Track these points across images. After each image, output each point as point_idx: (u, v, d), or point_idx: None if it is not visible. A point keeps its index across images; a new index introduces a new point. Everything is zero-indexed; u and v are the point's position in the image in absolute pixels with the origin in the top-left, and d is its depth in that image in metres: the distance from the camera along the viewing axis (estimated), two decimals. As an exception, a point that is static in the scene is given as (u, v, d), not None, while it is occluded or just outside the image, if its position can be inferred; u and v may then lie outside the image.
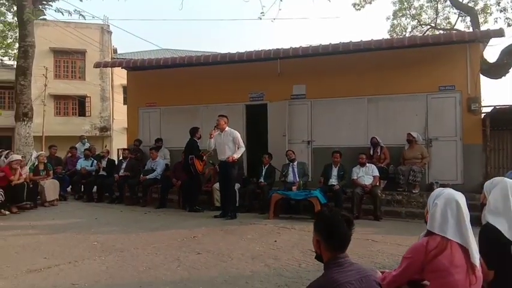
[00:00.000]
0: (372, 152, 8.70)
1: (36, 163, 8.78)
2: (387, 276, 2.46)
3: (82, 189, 9.87)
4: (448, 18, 15.43)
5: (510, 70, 10.40)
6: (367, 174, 7.85)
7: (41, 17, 9.60)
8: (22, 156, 8.74)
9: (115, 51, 30.30)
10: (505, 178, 2.73)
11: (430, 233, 2.30)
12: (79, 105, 26.82)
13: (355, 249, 4.87)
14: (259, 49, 9.59)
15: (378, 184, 7.74)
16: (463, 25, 14.05)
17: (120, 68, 11.80)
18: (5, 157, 8.49)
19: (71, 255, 5.03)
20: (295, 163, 8.40)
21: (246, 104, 10.02)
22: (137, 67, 10.53)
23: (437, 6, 15.16)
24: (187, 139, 8.32)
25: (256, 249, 5.25)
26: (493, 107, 8.01)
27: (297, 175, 8.19)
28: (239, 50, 9.63)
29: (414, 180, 8.08)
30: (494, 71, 10.42)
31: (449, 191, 2.37)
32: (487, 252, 2.49)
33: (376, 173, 7.85)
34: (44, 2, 9.92)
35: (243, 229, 6.45)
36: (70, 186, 10.15)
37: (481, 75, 10.53)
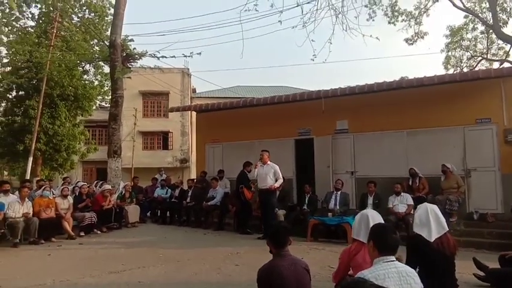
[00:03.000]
0: (410, 182, 9.25)
1: (123, 192, 10.78)
2: (333, 273, 3.50)
3: (158, 214, 11.67)
4: (503, 48, 15.18)
5: None
6: (401, 203, 8.47)
7: (127, 75, 11.80)
8: (112, 186, 10.83)
9: (194, 91, 33.64)
10: (426, 203, 3.72)
11: (354, 240, 3.32)
12: (163, 140, 30.14)
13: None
14: (305, 91, 10.78)
15: (411, 212, 8.29)
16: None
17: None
18: (99, 187, 10.67)
19: (141, 262, 6.55)
20: (339, 192, 9.29)
21: (295, 138, 11.19)
22: (203, 110, 12.35)
23: (487, 37, 15.07)
24: (243, 171, 9.72)
25: (284, 264, 6.29)
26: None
27: (337, 203, 9.06)
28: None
29: (451, 209, 8.45)
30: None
31: (366, 211, 3.43)
32: (409, 254, 3.49)
33: (410, 202, 8.43)
34: (131, 60, 12.29)
35: (280, 248, 7.51)
36: (150, 211, 12.05)
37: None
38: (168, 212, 11.33)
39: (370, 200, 8.80)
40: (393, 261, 2.51)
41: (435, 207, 3.69)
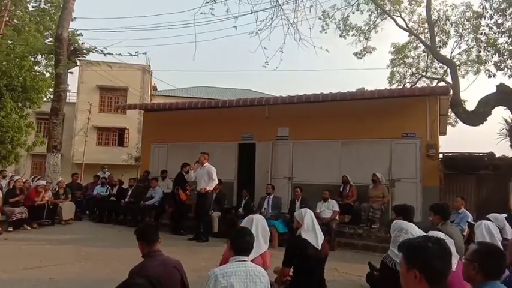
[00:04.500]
0: (341, 189, 9.70)
1: (57, 188, 10.60)
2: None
3: (97, 212, 11.53)
4: (444, 67, 16.08)
5: (487, 118, 11.05)
6: (327, 209, 8.89)
7: (70, 70, 11.64)
8: (49, 182, 10.62)
9: (155, 88, 33.26)
10: (308, 210, 4.02)
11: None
12: (119, 137, 29.59)
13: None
14: (251, 97, 11.05)
15: (336, 218, 8.72)
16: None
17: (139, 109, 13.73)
18: (35, 182, 10.45)
19: (60, 260, 6.53)
20: (271, 196, 9.59)
21: (238, 143, 11.42)
22: (151, 109, 12.35)
23: (427, 56, 15.98)
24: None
25: (202, 265, 6.47)
26: (442, 154, 8.85)
27: (269, 207, 9.37)
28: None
29: (373, 217, 8.96)
30: (473, 119, 11.11)
31: (254, 215, 3.72)
32: (290, 255, 3.79)
33: (336, 208, 8.86)
34: (79, 55, 12.12)
35: (205, 249, 7.72)
36: (88, 209, 11.87)
37: (460, 123, 11.31)
38: (106, 211, 11.22)
39: (297, 205, 9.14)
40: (245, 261, 2.76)
41: (312, 214, 4.02)
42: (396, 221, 3.58)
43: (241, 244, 2.82)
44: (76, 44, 12.17)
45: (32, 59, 18.76)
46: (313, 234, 3.96)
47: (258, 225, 3.62)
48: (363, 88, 15.18)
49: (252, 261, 3.48)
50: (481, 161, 8.62)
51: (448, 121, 14.85)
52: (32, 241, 8.10)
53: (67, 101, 30.34)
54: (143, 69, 30.13)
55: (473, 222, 7.13)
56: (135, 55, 10.99)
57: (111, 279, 5.67)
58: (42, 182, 10.03)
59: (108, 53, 11.13)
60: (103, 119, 28.49)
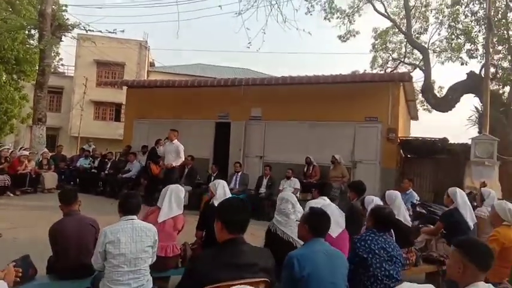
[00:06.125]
0: (305, 169, 10.22)
1: (41, 158, 11.21)
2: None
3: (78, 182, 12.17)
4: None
5: (455, 105, 11.40)
6: (289, 186, 9.42)
7: (55, 45, 12.05)
8: (32, 152, 11.23)
9: (152, 64, 33.53)
10: (221, 181, 4.58)
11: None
12: (116, 112, 30.09)
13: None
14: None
15: (296, 195, 9.26)
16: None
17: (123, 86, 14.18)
18: (19, 152, 11.07)
19: (30, 223, 7.16)
20: (240, 173, 10.16)
21: (215, 121, 11.90)
22: (132, 86, 12.81)
23: (406, 43, 16.11)
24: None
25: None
26: (399, 138, 9.31)
27: (237, 183, 9.94)
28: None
29: (333, 195, 9.47)
30: (442, 105, 11.45)
31: (171, 185, 4.25)
32: (204, 220, 4.36)
33: (297, 186, 9.42)
34: (63, 30, 12.50)
35: (167, 219, 8.31)
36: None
37: (431, 109, 11.67)
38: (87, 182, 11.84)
39: (264, 182, 9.71)
40: (132, 219, 3.28)
41: (225, 185, 4.59)
42: (282, 193, 4.17)
43: (127, 206, 3.34)
44: (61, 20, 12.52)
45: (26, 31, 19.10)
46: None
47: (171, 193, 4.18)
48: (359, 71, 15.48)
49: (164, 222, 4.10)
50: (434, 145, 9.05)
51: (425, 107, 15.23)
52: (10, 206, 8.75)
53: (66, 74, 31.13)
54: (140, 45, 30.37)
55: (416, 203, 7.69)
56: (113, 32, 11.38)
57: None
58: (25, 153, 10.64)
59: (90, 30, 11.51)
60: (100, 94, 28.88)
